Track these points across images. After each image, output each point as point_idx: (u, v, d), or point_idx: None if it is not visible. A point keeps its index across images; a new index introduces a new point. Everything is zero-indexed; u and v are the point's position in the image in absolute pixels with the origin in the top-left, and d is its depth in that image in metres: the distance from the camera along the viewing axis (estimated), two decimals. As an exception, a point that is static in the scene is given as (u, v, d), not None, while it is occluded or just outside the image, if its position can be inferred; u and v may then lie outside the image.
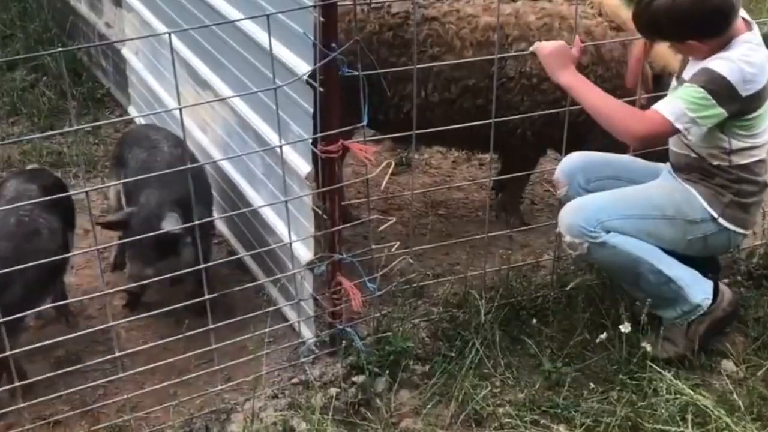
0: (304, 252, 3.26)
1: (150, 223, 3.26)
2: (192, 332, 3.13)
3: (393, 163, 3.31)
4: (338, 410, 3.00)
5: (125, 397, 3.04)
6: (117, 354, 3.10)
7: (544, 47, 3.12)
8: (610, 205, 3.10)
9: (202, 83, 3.95)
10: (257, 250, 3.63)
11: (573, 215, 3.10)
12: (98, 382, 3.15)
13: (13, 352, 2.85)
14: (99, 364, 3.21)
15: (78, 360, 3.30)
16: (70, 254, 3.40)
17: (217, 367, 3.16)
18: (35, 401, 2.95)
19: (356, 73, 2.85)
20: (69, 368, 3.12)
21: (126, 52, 4.92)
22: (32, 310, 3.06)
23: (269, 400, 3.10)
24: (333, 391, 3.07)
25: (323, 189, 3.09)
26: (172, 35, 2.69)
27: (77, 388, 3.09)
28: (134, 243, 3.25)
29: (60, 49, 2.96)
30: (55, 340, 3.20)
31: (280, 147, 3.03)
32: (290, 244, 3.18)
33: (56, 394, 3.05)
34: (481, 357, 3.19)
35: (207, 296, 2.99)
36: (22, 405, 2.86)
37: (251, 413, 2.98)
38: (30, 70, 5.56)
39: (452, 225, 4.25)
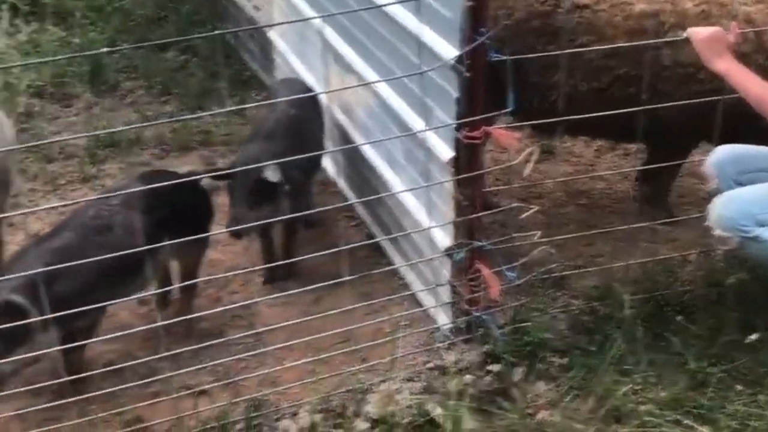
0: (443, 238, 3.25)
1: (252, 170, 3.40)
2: (330, 312, 3.18)
3: (538, 151, 3.26)
4: (473, 397, 2.98)
5: (265, 372, 3.12)
6: (259, 329, 3.20)
7: (699, 33, 3.01)
8: (764, 198, 2.97)
9: (346, 66, 3.99)
10: (396, 235, 3.65)
11: (723, 208, 2.99)
12: (241, 356, 3.24)
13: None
14: (241, 338, 3.30)
15: (221, 334, 3.40)
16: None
17: (354, 347, 3.20)
18: (181, 371, 3.06)
19: (505, 57, 2.81)
20: (214, 341, 3.23)
21: (273, 34, 5.03)
22: (111, 302, 3.12)
23: (404, 383, 3.11)
24: (468, 378, 3.06)
25: (466, 175, 3.06)
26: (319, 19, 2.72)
27: (221, 361, 3.19)
28: (236, 188, 3.44)
29: (216, 32, 3.05)
30: (201, 314, 3.34)
31: (423, 132, 3.03)
32: (430, 229, 3.18)
33: (200, 366, 3.16)
34: (623, 352, 3.11)
35: (347, 277, 3.03)
36: (168, 375, 2.98)
37: (387, 395, 3.00)
38: (181, 51, 5.76)
39: (594, 215, 4.14)
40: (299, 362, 3.17)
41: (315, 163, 4.03)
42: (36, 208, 4.06)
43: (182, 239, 3.07)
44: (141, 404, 2.98)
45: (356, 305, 3.30)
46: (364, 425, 2.94)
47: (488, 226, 3.69)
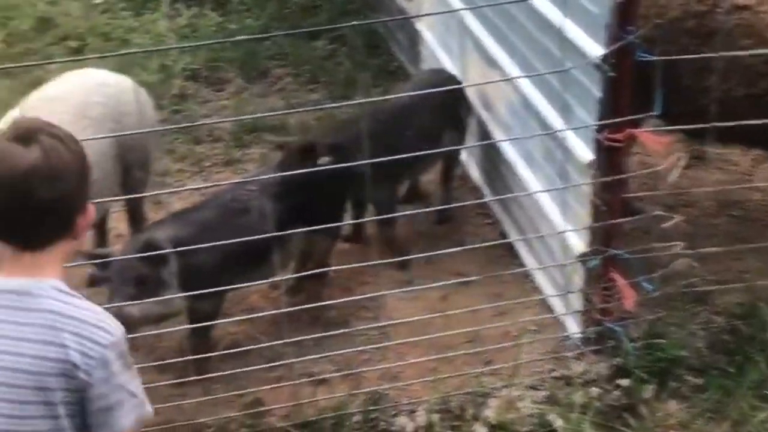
0: (577, 243, 3.13)
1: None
2: (457, 311, 3.12)
3: (687, 156, 3.09)
4: (598, 412, 2.87)
5: (387, 366, 3.10)
6: (384, 323, 3.18)
7: None
8: None
9: (489, 61, 3.90)
10: (528, 236, 3.55)
11: None
12: (364, 347, 3.22)
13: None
14: (366, 330, 3.29)
15: (346, 324, 3.40)
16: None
17: (479, 349, 3.13)
18: (304, 358, 3.08)
19: (654, 58, 2.67)
20: (338, 331, 3.23)
21: (421, 26, 4.99)
22: (240, 285, 3.21)
23: (527, 390, 3.02)
24: (595, 391, 2.95)
25: (605, 179, 2.93)
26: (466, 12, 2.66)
27: (343, 351, 3.19)
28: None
29: (355, 22, 3.06)
30: (327, 302, 3.34)
31: (563, 132, 2.92)
32: (564, 233, 3.07)
33: (323, 354, 3.17)
34: (764, 377, 2.91)
35: (476, 276, 2.97)
36: (291, 360, 3.00)
37: (508, 401, 2.92)
38: (331, 40, 5.81)
39: (746, 228, 3.89)
40: (422, 359, 3.13)
41: (426, 156, 3.61)
42: (179, 189, 4.18)
43: (312, 228, 3.10)
44: (263, 388, 3.02)
45: (484, 306, 3.23)
46: (482, 430, 2.88)
47: (628, 233, 3.53)
